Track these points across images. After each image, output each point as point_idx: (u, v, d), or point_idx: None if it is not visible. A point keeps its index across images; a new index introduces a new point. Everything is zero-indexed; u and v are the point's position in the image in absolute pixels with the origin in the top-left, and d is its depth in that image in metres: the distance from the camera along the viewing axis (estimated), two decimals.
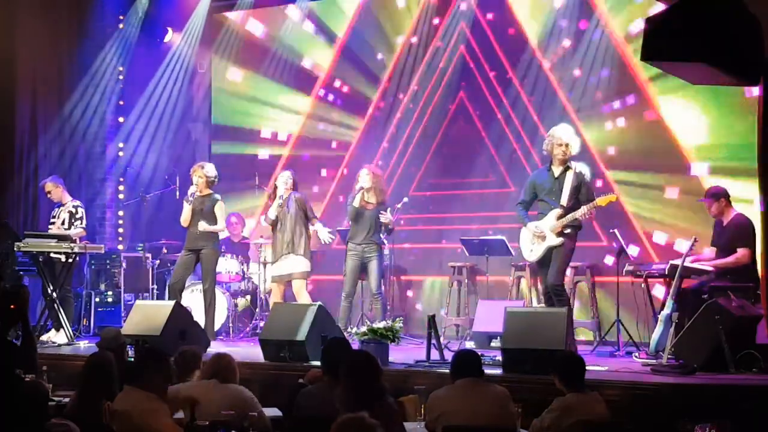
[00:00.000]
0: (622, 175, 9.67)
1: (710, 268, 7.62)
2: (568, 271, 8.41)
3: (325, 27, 11.43)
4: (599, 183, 9.42)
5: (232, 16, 11.85)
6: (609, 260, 9.20)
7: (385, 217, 8.72)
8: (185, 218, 9.03)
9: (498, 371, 6.53)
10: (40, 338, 8.94)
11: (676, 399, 5.90)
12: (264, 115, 11.77)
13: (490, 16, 10.54)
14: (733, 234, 7.63)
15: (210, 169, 9.15)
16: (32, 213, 10.82)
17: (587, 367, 5.34)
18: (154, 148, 11.79)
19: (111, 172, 11.77)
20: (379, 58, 11.14)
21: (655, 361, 7.05)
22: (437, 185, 10.78)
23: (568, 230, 7.52)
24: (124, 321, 8.81)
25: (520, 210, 7.82)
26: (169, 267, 10.55)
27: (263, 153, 11.73)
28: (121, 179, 11.85)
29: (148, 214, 10.70)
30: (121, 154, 11.87)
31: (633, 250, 9.05)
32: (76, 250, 9.03)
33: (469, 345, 8.54)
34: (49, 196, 9.62)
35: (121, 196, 11.77)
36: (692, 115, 9.28)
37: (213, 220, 9.02)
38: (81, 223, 9.46)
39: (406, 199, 9.58)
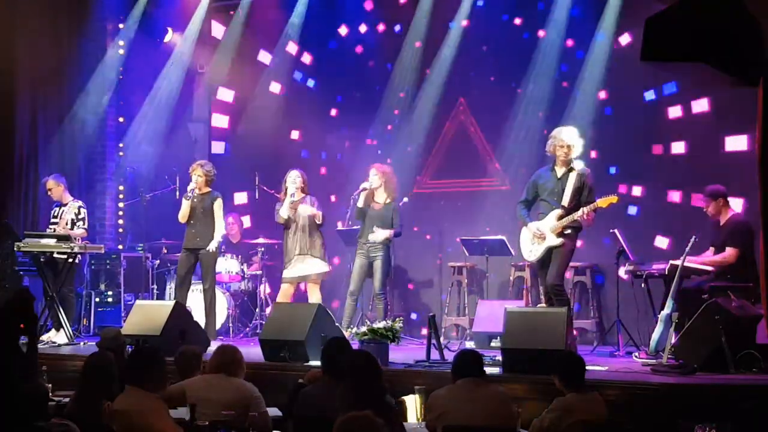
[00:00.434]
0: None
1: (710, 268, 7.63)
2: (569, 271, 8.42)
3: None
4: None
5: None
6: (609, 260, 9.20)
7: (377, 236, 8.72)
8: (183, 214, 9.05)
9: (498, 371, 6.52)
10: (40, 338, 8.95)
11: (676, 399, 5.90)
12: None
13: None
14: (727, 233, 7.65)
15: (209, 167, 9.17)
16: (32, 213, 10.81)
17: (587, 367, 5.35)
18: (154, 148, 11.79)
19: (111, 172, 11.78)
20: (382, 57, 11.16)
21: (655, 361, 7.05)
22: (437, 185, 10.79)
23: (569, 231, 7.53)
24: (124, 321, 8.81)
25: (521, 209, 7.81)
26: (169, 267, 10.56)
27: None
28: (121, 179, 11.85)
29: (148, 214, 10.69)
30: (121, 154, 11.87)
31: None
32: (76, 250, 9.02)
33: (469, 345, 8.55)
34: (49, 193, 9.61)
35: (121, 196, 11.76)
36: None
37: (212, 218, 9.03)
38: (84, 224, 9.47)
39: (405, 199, 9.60)
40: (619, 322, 8.41)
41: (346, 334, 7.72)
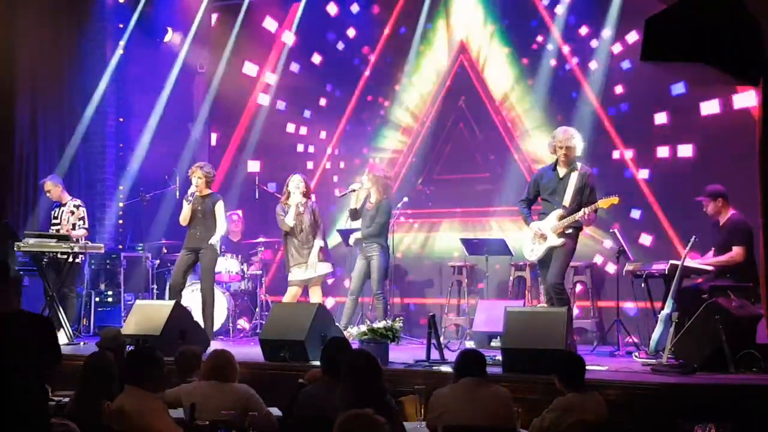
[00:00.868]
0: None
1: (710, 268, 7.63)
2: (569, 271, 8.42)
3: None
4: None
5: None
6: (609, 260, 9.21)
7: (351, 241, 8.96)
8: (184, 217, 9.03)
9: (498, 371, 6.52)
10: None
11: (676, 399, 5.90)
12: None
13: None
14: (729, 233, 7.64)
15: (208, 169, 9.16)
16: (32, 213, 10.81)
17: (587, 367, 5.34)
18: (154, 147, 11.79)
19: (111, 172, 11.77)
20: (383, 56, 11.16)
21: (655, 361, 7.05)
22: (437, 185, 10.79)
23: (570, 231, 7.52)
24: (124, 321, 8.81)
25: (522, 207, 7.82)
26: (169, 267, 10.55)
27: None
28: (121, 179, 11.85)
29: (148, 214, 10.69)
30: (121, 154, 11.87)
31: None
32: (76, 249, 9.02)
33: (469, 345, 8.54)
34: (48, 195, 9.62)
35: (121, 196, 11.77)
36: None
37: (213, 219, 9.01)
38: (84, 224, 9.47)
39: (406, 199, 9.60)
40: (619, 322, 8.41)
41: (345, 334, 7.73)
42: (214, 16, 12.01)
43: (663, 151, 9.53)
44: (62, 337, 8.90)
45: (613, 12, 9.72)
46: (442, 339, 7.74)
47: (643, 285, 8.08)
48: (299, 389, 5.24)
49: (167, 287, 9.26)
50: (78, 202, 9.60)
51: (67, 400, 5.29)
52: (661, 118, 9.51)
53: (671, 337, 7.00)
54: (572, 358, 5.36)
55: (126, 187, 11.77)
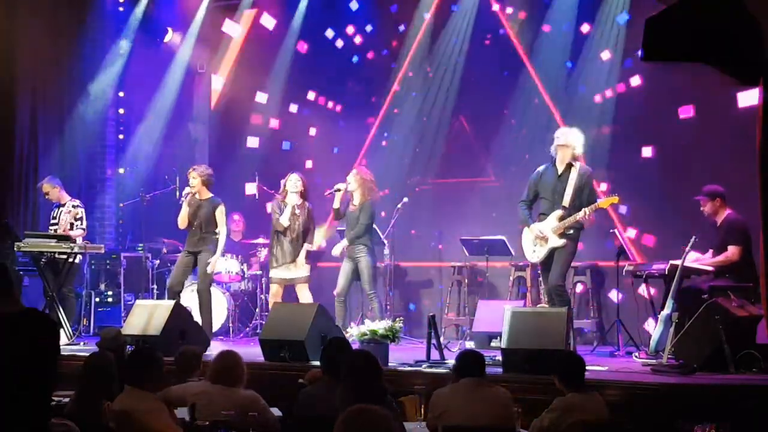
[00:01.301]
0: None
1: (710, 268, 7.63)
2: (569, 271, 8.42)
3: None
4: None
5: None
6: (609, 260, 9.20)
7: (336, 251, 8.93)
8: (182, 219, 8.97)
9: (498, 371, 6.52)
10: None
11: (676, 399, 5.90)
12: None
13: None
14: (725, 233, 7.65)
15: (202, 168, 9.11)
16: (32, 213, 10.81)
17: (587, 367, 5.34)
18: (154, 148, 11.79)
19: (111, 172, 11.77)
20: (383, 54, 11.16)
21: (655, 361, 7.05)
22: (437, 185, 10.79)
23: (571, 231, 7.52)
24: (124, 321, 8.81)
25: (522, 209, 7.81)
26: (169, 267, 10.55)
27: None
28: (121, 179, 11.85)
29: (148, 214, 10.69)
30: (121, 153, 11.87)
31: None
32: (76, 250, 9.01)
33: (469, 345, 8.55)
34: (46, 197, 9.61)
35: (121, 196, 11.76)
36: None
37: (213, 224, 8.94)
38: (81, 224, 9.44)
39: (405, 199, 9.59)
40: (619, 322, 8.41)
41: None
42: (214, 17, 11.99)
43: None
44: (62, 337, 8.91)
45: None
46: (442, 339, 7.74)
47: (643, 285, 8.10)
48: (299, 389, 5.24)
49: (167, 288, 9.25)
50: (76, 202, 9.58)
51: (67, 400, 5.29)
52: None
53: (671, 337, 7.00)
54: (572, 358, 5.37)
55: (126, 187, 11.78)
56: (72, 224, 9.41)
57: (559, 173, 7.62)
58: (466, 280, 9.96)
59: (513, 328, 6.77)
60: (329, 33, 11.30)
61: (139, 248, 10.78)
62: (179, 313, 8.04)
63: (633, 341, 8.25)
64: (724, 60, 4.57)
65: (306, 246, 8.98)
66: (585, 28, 9.98)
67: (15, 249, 9.14)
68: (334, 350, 5.21)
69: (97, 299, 10.43)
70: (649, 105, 9.50)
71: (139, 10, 11.63)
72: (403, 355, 7.50)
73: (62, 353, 8.07)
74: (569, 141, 7.58)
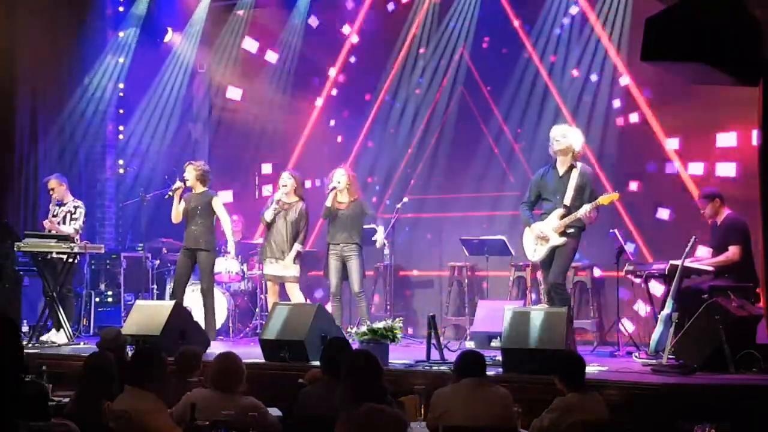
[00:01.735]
0: None
1: (710, 268, 7.63)
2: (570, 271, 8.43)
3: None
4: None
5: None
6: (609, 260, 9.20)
7: (379, 238, 8.81)
8: (175, 214, 9.04)
9: (498, 371, 6.52)
10: (40, 338, 8.96)
11: (676, 399, 5.90)
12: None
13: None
14: (725, 233, 7.65)
15: (200, 164, 9.16)
16: (32, 213, 10.81)
17: (587, 367, 5.34)
18: (154, 148, 11.80)
19: (111, 171, 11.78)
20: (380, 57, 11.15)
21: (655, 361, 7.05)
22: (437, 185, 10.79)
23: (572, 230, 7.51)
24: (124, 321, 8.80)
25: (524, 210, 7.80)
26: (169, 267, 10.56)
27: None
28: (121, 179, 11.86)
29: (148, 214, 10.69)
30: (121, 153, 11.87)
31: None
32: (76, 250, 9.01)
33: (469, 345, 8.55)
34: (51, 193, 9.59)
35: (120, 196, 11.77)
36: None
37: (210, 217, 8.99)
38: (75, 224, 9.37)
39: (406, 199, 9.59)
40: (619, 322, 8.41)
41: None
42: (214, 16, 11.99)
43: None
44: (62, 337, 8.91)
45: None
46: (442, 339, 7.74)
47: (643, 285, 8.10)
48: (299, 389, 5.24)
49: (170, 290, 9.26)
50: (78, 203, 9.57)
51: (67, 400, 5.29)
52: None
53: (671, 337, 7.00)
54: (572, 358, 5.35)
55: (126, 187, 11.78)
56: (65, 218, 9.37)
57: (560, 172, 7.62)
58: (466, 280, 9.96)
59: (513, 328, 6.77)
60: None
61: (139, 248, 10.77)
62: (179, 313, 8.04)
63: (633, 341, 8.25)
64: (724, 60, 4.58)
65: (296, 246, 8.87)
66: None
67: (15, 249, 9.13)
68: (334, 350, 5.21)
69: (97, 299, 10.43)
70: None
71: (139, 9, 11.63)
72: (403, 355, 7.49)
73: (62, 353, 8.18)
74: (569, 143, 7.57)
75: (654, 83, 9.46)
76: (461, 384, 5.10)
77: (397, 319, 7.32)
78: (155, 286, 10.56)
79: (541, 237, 7.57)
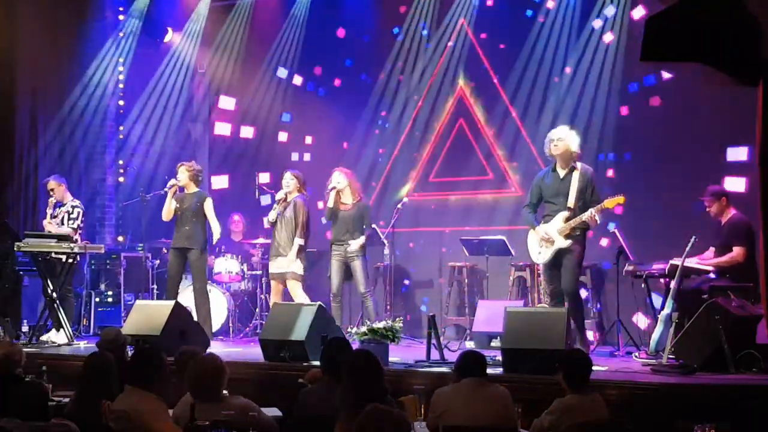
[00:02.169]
0: None
1: (710, 268, 7.63)
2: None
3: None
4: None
5: None
6: (609, 260, 9.20)
7: (353, 246, 8.79)
8: (167, 212, 9.10)
9: (498, 371, 6.52)
10: (40, 338, 8.96)
11: (676, 399, 5.90)
12: None
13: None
14: (729, 233, 7.64)
15: (193, 164, 9.22)
16: (32, 213, 10.81)
17: None
18: (154, 148, 11.80)
19: (111, 172, 11.78)
20: (380, 55, 11.15)
21: (655, 361, 7.05)
22: (437, 185, 10.79)
23: (577, 233, 7.51)
24: (124, 321, 8.81)
25: (527, 213, 7.82)
26: (167, 267, 10.54)
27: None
28: (121, 179, 11.86)
29: (148, 214, 10.69)
30: (121, 153, 11.88)
31: None
32: (76, 250, 9.01)
33: (469, 345, 8.55)
34: (51, 194, 9.60)
35: (121, 196, 11.77)
36: None
37: (201, 218, 9.01)
38: (73, 223, 9.37)
39: (406, 199, 9.60)
40: (619, 322, 8.41)
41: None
42: (214, 16, 11.99)
43: None
44: (62, 337, 8.91)
45: None
46: (442, 339, 7.74)
47: (643, 285, 8.10)
48: (299, 389, 5.24)
49: (166, 294, 9.26)
50: (77, 202, 9.57)
51: (67, 400, 5.29)
52: None
53: (671, 337, 7.00)
54: (579, 357, 5.29)
55: (126, 188, 11.78)
56: (63, 219, 9.37)
57: (561, 174, 7.63)
58: (466, 280, 9.96)
59: (513, 328, 6.77)
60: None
61: (139, 248, 10.78)
62: (179, 313, 8.04)
63: (633, 341, 8.26)
64: (723, 60, 4.57)
65: (297, 240, 8.81)
66: None
67: (15, 249, 9.13)
68: (334, 350, 5.21)
69: (97, 299, 10.43)
70: None
71: (139, 10, 11.62)
72: (403, 355, 7.49)
73: (62, 353, 8.18)
74: (567, 145, 7.57)
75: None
76: (461, 384, 5.10)
77: (397, 319, 7.33)
78: (155, 286, 10.57)
79: (545, 239, 7.57)
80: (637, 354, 7.71)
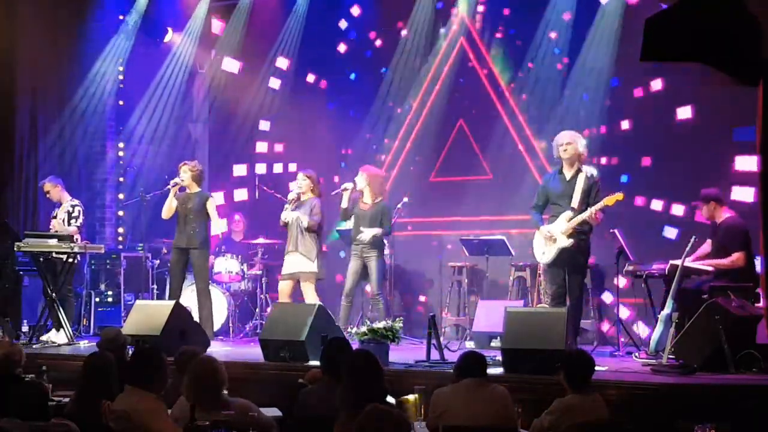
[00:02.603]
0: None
1: (710, 269, 7.63)
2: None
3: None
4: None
5: None
6: (609, 260, 9.20)
7: (364, 235, 8.76)
8: (167, 209, 9.09)
9: (498, 371, 6.52)
10: (40, 338, 8.96)
11: (676, 399, 5.90)
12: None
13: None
14: (726, 237, 7.63)
15: (193, 163, 9.20)
16: (32, 213, 10.81)
17: None
18: (154, 148, 11.80)
19: (111, 172, 11.78)
20: (381, 54, 11.16)
21: (655, 361, 7.05)
22: (437, 185, 10.79)
23: (582, 236, 7.55)
24: (124, 321, 8.81)
25: (534, 214, 7.89)
26: (169, 267, 10.54)
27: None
28: (121, 179, 11.87)
29: (148, 214, 10.69)
30: (121, 154, 11.89)
31: None
32: (76, 250, 9.02)
33: (469, 345, 8.55)
34: (48, 196, 9.62)
35: (121, 196, 11.78)
36: None
37: (203, 218, 9.01)
38: (76, 222, 9.39)
39: (406, 199, 9.60)
40: (619, 322, 8.42)
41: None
42: (214, 17, 11.99)
43: None
44: (62, 337, 8.91)
45: None
46: (442, 339, 7.74)
47: (643, 285, 8.10)
48: (299, 389, 5.24)
49: (167, 290, 9.26)
50: (76, 202, 9.58)
51: (67, 400, 5.29)
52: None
53: (671, 337, 7.00)
54: (581, 358, 5.27)
55: (126, 187, 11.78)
56: (65, 220, 9.38)
57: (567, 177, 7.69)
58: (466, 280, 9.96)
59: (513, 328, 6.77)
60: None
61: (139, 248, 10.78)
62: (179, 313, 8.04)
63: (633, 341, 8.26)
64: (723, 60, 4.57)
65: (303, 217, 8.72)
66: None
67: (15, 249, 9.14)
68: (334, 350, 5.21)
69: (97, 299, 10.44)
70: None
71: (139, 10, 11.63)
72: (403, 355, 7.50)
73: (62, 353, 8.18)
74: (576, 147, 7.62)
75: None
76: (461, 384, 5.10)
77: (397, 319, 7.33)
78: (155, 286, 10.57)
79: (548, 237, 7.61)
80: (637, 354, 7.72)
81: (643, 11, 8.22)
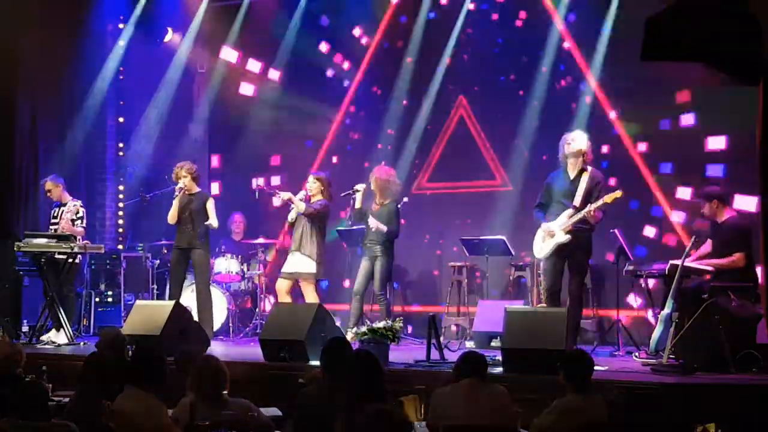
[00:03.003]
0: None
1: (710, 269, 7.62)
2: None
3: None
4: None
5: None
6: (609, 260, 9.20)
7: (372, 222, 8.76)
8: (172, 215, 9.07)
9: (498, 371, 6.52)
10: (40, 338, 8.96)
11: (676, 399, 5.90)
12: None
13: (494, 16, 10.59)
14: (728, 236, 7.61)
15: (189, 165, 9.20)
16: (32, 213, 10.80)
17: None
18: (154, 148, 11.79)
19: (111, 172, 11.78)
20: (380, 53, 11.16)
21: (655, 361, 7.05)
22: (437, 185, 10.79)
23: (582, 236, 7.56)
24: (124, 321, 8.81)
25: (537, 212, 7.90)
26: (169, 267, 10.54)
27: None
28: (121, 179, 11.86)
29: (148, 214, 10.69)
30: (121, 154, 11.88)
31: None
32: (76, 250, 9.01)
33: (469, 345, 8.55)
34: (48, 194, 9.62)
35: (121, 196, 11.77)
36: None
37: (204, 217, 9.02)
38: (82, 223, 9.43)
39: (405, 199, 9.59)
40: (619, 322, 8.41)
41: (350, 334, 7.73)
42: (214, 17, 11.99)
43: None
44: (62, 337, 8.91)
45: None
46: (442, 339, 7.74)
47: (643, 285, 8.10)
48: (299, 389, 5.24)
49: (167, 290, 9.25)
50: (78, 202, 9.58)
51: (67, 400, 5.29)
52: None
53: (671, 337, 7.00)
54: (581, 358, 5.26)
55: (126, 187, 11.78)
56: (73, 221, 9.39)
57: (571, 176, 7.72)
58: (466, 280, 9.96)
59: (513, 328, 6.77)
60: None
61: (139, 248, 10.78)
62: (179, 313, 8.04)
63: (633, 341, 8.26)
64: (724, 60, 4.58)
65: (298, 201, 8.78)
66: None
67: (15, 249, 9.13)
68: (334, 350, 5.21)
69: (97, 299, 10.43)
70: None
71: (139, 10, 11.62)
72: (403, 355, 7.50)
73: (62, 353, 8.18)
74: (581, 147, 7.65)
75: None
76: (461, 384, 5.10)
77: (397, 319, 7.33)
78: (155, 286, 10.57)
79: (547, 231, 7.63)
80: (637, 354, 7.72)
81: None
